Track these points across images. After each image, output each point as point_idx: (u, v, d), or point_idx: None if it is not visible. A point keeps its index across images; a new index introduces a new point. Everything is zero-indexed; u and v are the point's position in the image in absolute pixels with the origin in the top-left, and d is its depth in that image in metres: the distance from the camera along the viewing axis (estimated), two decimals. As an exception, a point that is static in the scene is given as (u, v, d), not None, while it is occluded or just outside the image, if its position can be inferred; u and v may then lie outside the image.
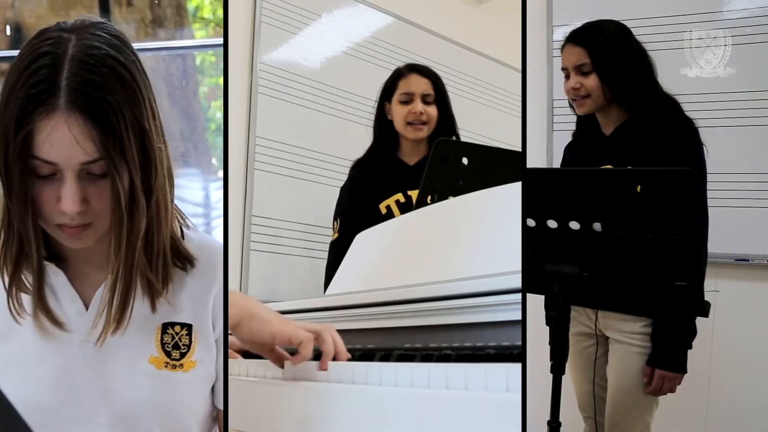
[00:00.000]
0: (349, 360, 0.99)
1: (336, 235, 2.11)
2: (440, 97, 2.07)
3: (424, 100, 2.05)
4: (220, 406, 1.02)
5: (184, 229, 1.03)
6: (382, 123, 2.13)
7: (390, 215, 2.02)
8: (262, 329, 0.94)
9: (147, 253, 0.93)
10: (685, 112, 1.65)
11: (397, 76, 2.12)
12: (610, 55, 1.62)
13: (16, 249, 0.90)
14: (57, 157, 0.83)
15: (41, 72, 0.83)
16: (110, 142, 0.84)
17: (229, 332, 0.97)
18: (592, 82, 1.63)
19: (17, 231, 0.89)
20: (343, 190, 2.18)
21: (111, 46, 0.87)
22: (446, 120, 2.08)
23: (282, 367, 1.01)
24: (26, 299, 0.94)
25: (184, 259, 0.99)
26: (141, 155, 0.88)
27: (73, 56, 0.84)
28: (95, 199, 0.87)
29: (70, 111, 0.82)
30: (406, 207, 2.02)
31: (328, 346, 0.96)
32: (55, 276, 0.96)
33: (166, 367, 0.97)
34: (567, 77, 1.69)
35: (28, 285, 0.93)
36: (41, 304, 0.93)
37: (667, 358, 1.57)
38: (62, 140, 0.82)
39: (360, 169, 2.15)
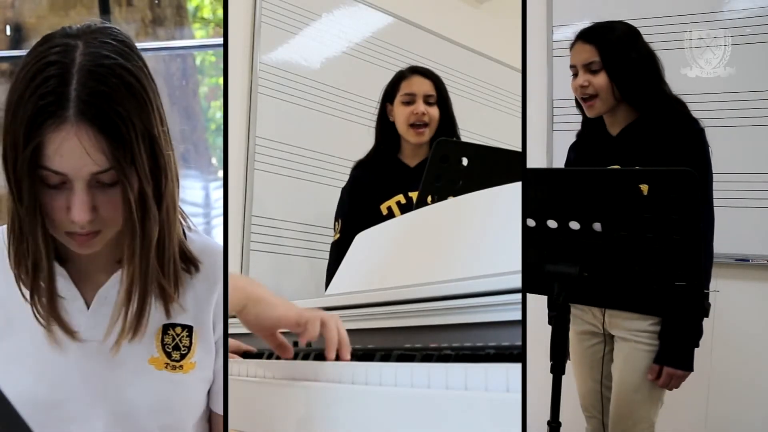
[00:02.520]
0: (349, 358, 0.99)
1: (337, 235, 2.11)
2: (442, 98, 2.07)
3: (426, 101, 2.05)
4: (219, 408, 1.02)
5: (186, 231, 1.03)
6: (384, 124, 2.13)
7: (391, 216, 2.02)
8: (268, 313, 0.96)
9: (159, 259, 0.93)
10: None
11: (400, 77, 2.12)
12: (619, 53, 1.62)
13: (32, 260, 0.90)
14: (67, 168, 0.83)
15: (50, 82, 0.82)
16: (120, 153, 0.84)
17: (234, 316, 0.98)
18: (600, 80, 1.63)
19: (30, 244, 0.89)
20: (344, 190, 2.18)
21: (119, 54, 0.87)
22: (447, 121, 2.08)
23: (284, 356, 1.01)
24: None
25: (189, 262, 1.00)
26: (151, 163, 0.88)
27: (82, 66, 0.84)
28: (104, 207, 0.87)
29: (80, 123, 0.82)
30: (407, 208, 2.02)
31: (331, 333, 0.96)
32: (59, 276, 0.96)
33: (165, 367, 0.98)
34: (575, 75, 1.69)
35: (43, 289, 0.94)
36: (54, 313, 0.93)
37: (676, 356, 1.57)
38: (73, 152, 0.82)
39: (361, 169, 2.15)
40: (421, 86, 2.06)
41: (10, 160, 0.84)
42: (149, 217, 0.89)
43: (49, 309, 0.93)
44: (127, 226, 0.88)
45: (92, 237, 0.89)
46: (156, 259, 0.93)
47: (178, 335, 0.99)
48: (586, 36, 1.67)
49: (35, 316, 0.93)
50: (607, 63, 1.62)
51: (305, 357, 1.13)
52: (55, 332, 0.95)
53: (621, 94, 1.63)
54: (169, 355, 0.98)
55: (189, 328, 0.99)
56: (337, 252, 2.03)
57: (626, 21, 1.69)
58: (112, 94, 0.84)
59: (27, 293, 0.93)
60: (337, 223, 2.14)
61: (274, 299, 0.97)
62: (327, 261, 2.18)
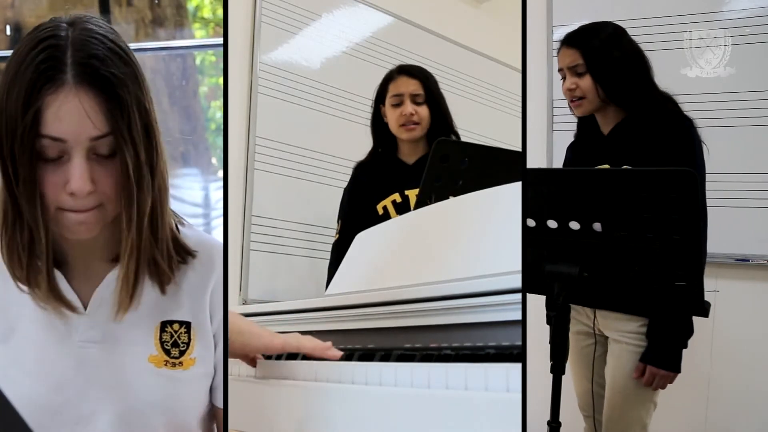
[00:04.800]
0: (346, 358, 0.99)
1: (337, 236, 2.12)
2: (431, 96, 2.08)
3: (414, 100, 2.06)
4: (220, 405, 1.02)
5: (179, 226, 1.03)
6: (378, 126, 2.15)
7: (387, 216, 2.03)
8: (253, 343, 1.00)
9: (153, 233, 0.93)
10: (685, 112, 1.65)
11: (387, 78, 2.13)
12: (603, 55, 1.63)
13: (27, 243, 0.89)
14: (66, 132, 0.83)
15: (46, 51, 0.84)
16: (118, 115, 0.85)
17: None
18: (586, 82, 1.65)
19: (27, 223, 0.87)
20: (345, 191, 2.20)
21: (107, 31, 0.89)
22: (440, 119, 2.08)
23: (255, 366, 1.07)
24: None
25: (184, 252, 1.00)
26: (144, 134, 0.89)
27: (75, 38, 0.85)
28: (102, 180, 0.87)
29: (79, 85, 0.83)
30: (402, 207, 2.03)
31: (313, 343, 1.01)
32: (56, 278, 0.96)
33: (165, 365, 0.97)
34: (563, 78, 1.70)
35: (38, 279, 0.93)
36: (54, 291, 0.93)
37: (660, 356, 1.57)
38: (72, 114, 0.83)
39: (360, 170, 2.17)
40: (407, 86, 2.07)
41: (7, 139, 0.84)
42: (144, 186, 0.89)
43: (48, 289, 0.92)
44: (125, 193, 0.88)
45: (90, 214, 0.88)
46: (150, 234, 0.92)
47: (176, 332, 0.99)
48: (570, 40, 1.68)
49: (36, 302, 0.93)
50: (591, 66, 1.63)
51: (305, 357, 1.13)
52: (57, 327, 0.95)
53: (607, 96, 1.64)
54: (168, 352, 0.98)
55: (187, 324, 0.99)
56: (337, 252, 2.03)
57: (625, 21, 1.70)
58: (106, 58, 0.85)
59: (23, 286, 0.92)
60: (337, 224, 2.15)
61: (256, 329, 1.01)
62: (327, 261, 2.19)
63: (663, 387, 1.60)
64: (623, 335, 1.63)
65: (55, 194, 0.86)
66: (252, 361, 1.09)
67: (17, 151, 0.83)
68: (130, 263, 0.92)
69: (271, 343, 1.01)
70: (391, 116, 2.08)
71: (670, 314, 1.54)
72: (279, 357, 1.21)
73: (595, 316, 1.69)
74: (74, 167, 0.84)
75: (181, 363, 0.98)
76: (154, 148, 0.91)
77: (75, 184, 0.84)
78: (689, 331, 1.58)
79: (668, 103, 1.65)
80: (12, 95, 0.83)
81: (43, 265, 0.91)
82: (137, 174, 0.88)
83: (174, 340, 0.98)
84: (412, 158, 2.10)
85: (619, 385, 1.64)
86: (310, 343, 1.01)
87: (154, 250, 0.93)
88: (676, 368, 1.57)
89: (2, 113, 0.84)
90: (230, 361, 1.07)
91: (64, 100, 0.82)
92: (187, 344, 0.99)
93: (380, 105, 2.13)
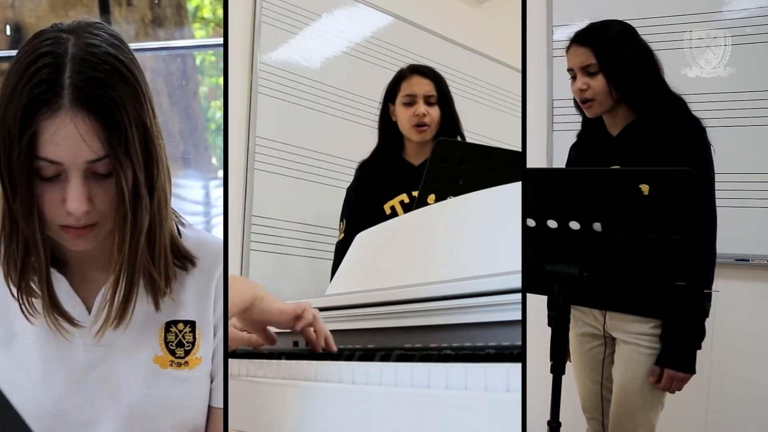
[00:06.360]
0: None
1: (342, 235, 2.12)
2: (443, 97, 2.07)
3: (427, 101, 2.05)
4: (219, 405, 1.02)
5: (179, 227, 1.03)
6: (387, 124, 2.14)
7: (394, 215, 2.02)
8: (272, 307, 1.03)
9: (150, 250, 0.93)
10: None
11: (400, 77, 2.12)
12: (616, 54, 1.61)
13: (22, 254, 0.89)
14: (63, 156, 0.83)
15: (43, 71, 0.82)
16: (115, 139, 0.84)
17: (234, 314, 1.01)
18: (599, 82, 1.62)
19: (23, 235, 0.88)
20: (349, 190, 2.19)
21: (110, 44, 0.87)
22: (450, 120, 2.08)
23: (271, 344, 1.10)
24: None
25: (183, 259, 0.99)
26: (144, 152, 0.88)
27: (75, 55, 0.84)
28: (99, 199, 0.87)
29: (76, 109, 0.82)
30: (410, 208, 2.02)
31: (321, 324, 1.07)
32: (57, 281, 0.96)
33: (171, 365, 0.97)
34: (573, 78, 1.67)
35: (35, 289, 0.93)
36: (54, 306, 0.92)
37: (678, 359, 1.56)
38: (68, 139, 0.82)
39: (365, 169, 2.16)
40: (421, 87, 2.06)
41: (4, 154, 0.83)
42: (141, 207, 0.89)
43: (49, 301, 0.92)
44: (119, 214, 0.88)
45: (88, 231, 0.88)
46: (147, 251, 0.92)
47: (180, 332, 0.99)
48: (581, 38, 1.65)
49: (23, 312, 0.92)
50: (604, 65, 1.61)
51: (305, 357, 1.13)
52: (53, 332, 0.94)
53: (620, 96, 1.62)
54: (173, 352, 0.98)
55: (192, 324, 0.99)
56: (341, 252, 2.03)
57: (625, 21, 1.69)
58: (105, 80, 0.84)
59: (14, 290, 0.92)
60: (341, 223, 2.15)
61: (271, 296, 1.04)
62: (327, 261, 2.18)
63: (680, 389, 1.58)
64: (634, 337, 1.62)
65: (53, 210, 0.86)
66: (265, 333, 1.09)
67: (14, 169, 0.83)
68: (120, 281, 0.91)
69: (285, 308, 1.04)
70: (403, 116, 2.07)
71: (673, 315, 1.53)
72: (280, 357, 1.21)
73: (605, 318, 1.68)
74: (71, 188, 0.84)
75: (186, 363, 0.98)
76: (155, 164, 0.90)
77: (71, 205, 0.84)
78: (702, 333, 1.57)
79: (679, 104, 1.63)
80: (10, 110, 0.83)
81: (43, 279, 0.91)
82: (134, 195, 0.88)
83: (179, 340, 0.98)
84: (418, 160, 2.09)
85: (630, 388, 1.63)
86: (320, 324, 1.06)
87: (150, 269, 0.93)
88: (691, 369, 1.56)
89: (2, 127, 0.84)
90: (230, 361, 1.07)
91: (60, 125, 0.82)
92: (192, 344, 0.99)
93: (389, 103, 2.13)
